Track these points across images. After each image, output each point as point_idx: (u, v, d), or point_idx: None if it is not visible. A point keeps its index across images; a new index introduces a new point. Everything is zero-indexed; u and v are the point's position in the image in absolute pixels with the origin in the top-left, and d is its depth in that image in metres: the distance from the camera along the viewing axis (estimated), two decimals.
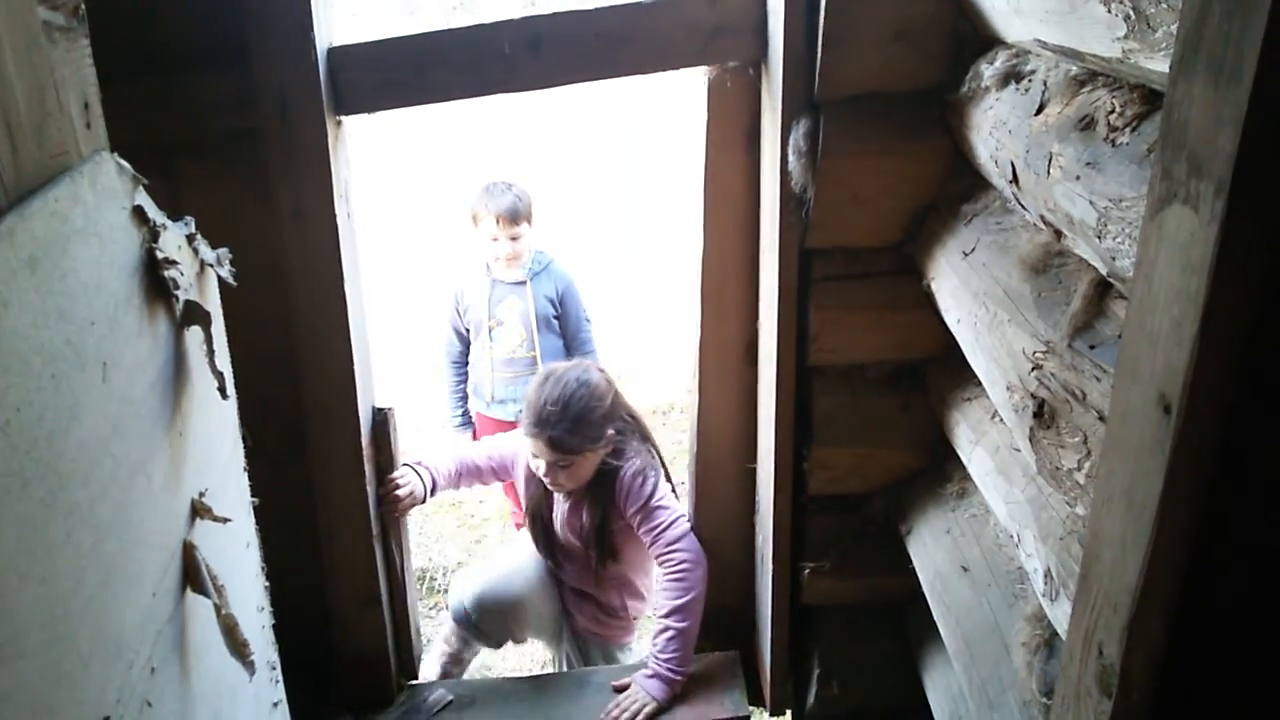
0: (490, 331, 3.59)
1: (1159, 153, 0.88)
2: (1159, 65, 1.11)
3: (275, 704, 1.74)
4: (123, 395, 1.11)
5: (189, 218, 1.39)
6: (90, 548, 1.00)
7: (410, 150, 8.35)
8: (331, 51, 2.07)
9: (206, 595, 1.30)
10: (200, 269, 1.41)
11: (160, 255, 1.23)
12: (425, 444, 5.08)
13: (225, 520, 1.39)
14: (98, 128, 1.18)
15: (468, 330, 3.68)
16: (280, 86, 2.03)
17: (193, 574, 1.29)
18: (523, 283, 3.56)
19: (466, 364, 3.75)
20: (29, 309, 0.90)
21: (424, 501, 2.60)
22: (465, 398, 3.80)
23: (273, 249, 2.14)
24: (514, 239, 3.49)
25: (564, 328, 3.64)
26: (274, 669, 1.75)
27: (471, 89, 2.11)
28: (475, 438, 3.79)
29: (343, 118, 2.15)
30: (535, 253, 3.59)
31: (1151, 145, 1.18)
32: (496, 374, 3.65)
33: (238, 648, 1.37)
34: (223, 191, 2.17)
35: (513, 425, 3.37)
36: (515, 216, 3.46)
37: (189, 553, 1.29)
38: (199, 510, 1.34)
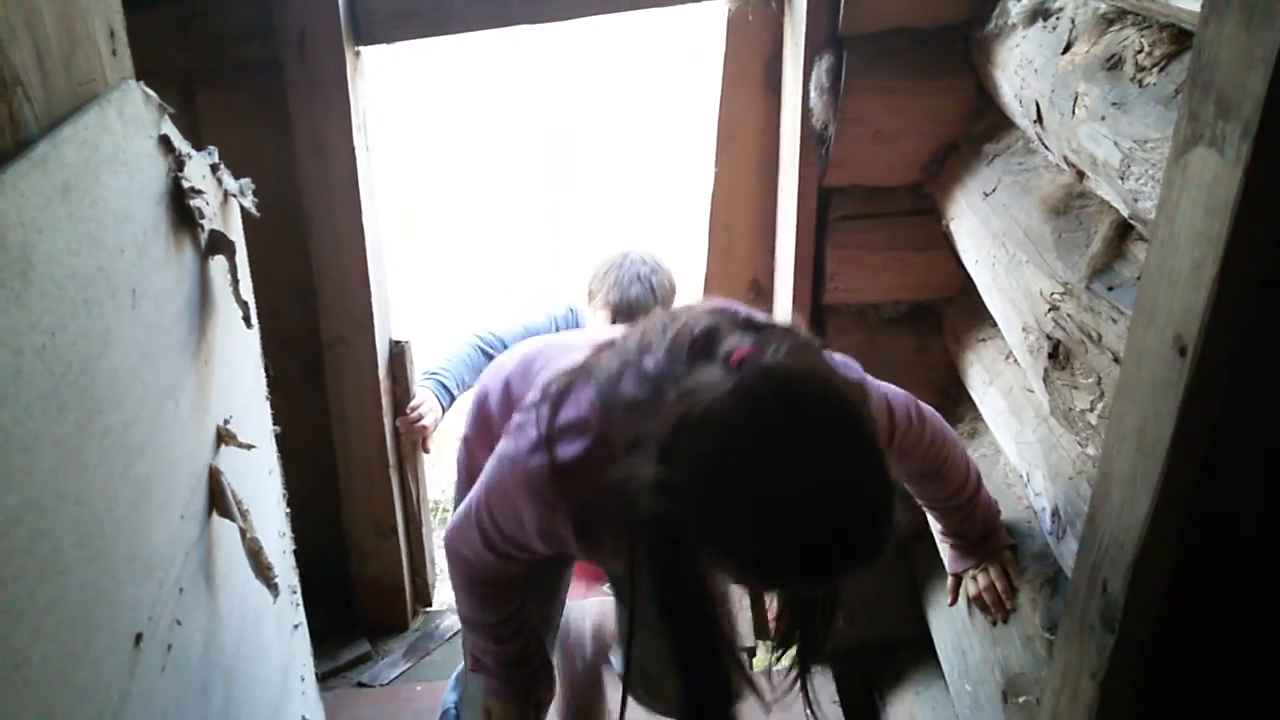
0: None
1: (1186, 94, 0.87)
2: (1190, 4, 1.10)
3: (296, 626, 1.79)
4: (151, 322, 1.13)
5: (212, 148, 1.40)
6: (122, 470, 1.03)
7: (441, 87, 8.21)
8: None
9: (232, 519, 1.33)
10: (224, 199, 1.42)
11: (186, 185, 1.24)
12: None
13: (250, 447, 1.42)
14: (123, 56, 1.18)
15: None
16: (299, 16, 2.01)
17: (219, 498, 1.32)
18: None
19: (489, 358, 2.51)
20: (62, 235, 0.91)
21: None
22: (462, 384, 2.57)
23: (293, 180, 2.15)
24: None
25: None
26: (295, 593, 1.80)
27: (492, 20, 2.09)
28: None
29: (362, 49, 2.13)
30: None
31: (1179, 86, 1.17)
32: None
33: (262, 570, 1.41)
34: (243, 122, 2.17)
35: None
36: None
37: (215, 477, 1.32)
38: (224, 437, 1.37)
